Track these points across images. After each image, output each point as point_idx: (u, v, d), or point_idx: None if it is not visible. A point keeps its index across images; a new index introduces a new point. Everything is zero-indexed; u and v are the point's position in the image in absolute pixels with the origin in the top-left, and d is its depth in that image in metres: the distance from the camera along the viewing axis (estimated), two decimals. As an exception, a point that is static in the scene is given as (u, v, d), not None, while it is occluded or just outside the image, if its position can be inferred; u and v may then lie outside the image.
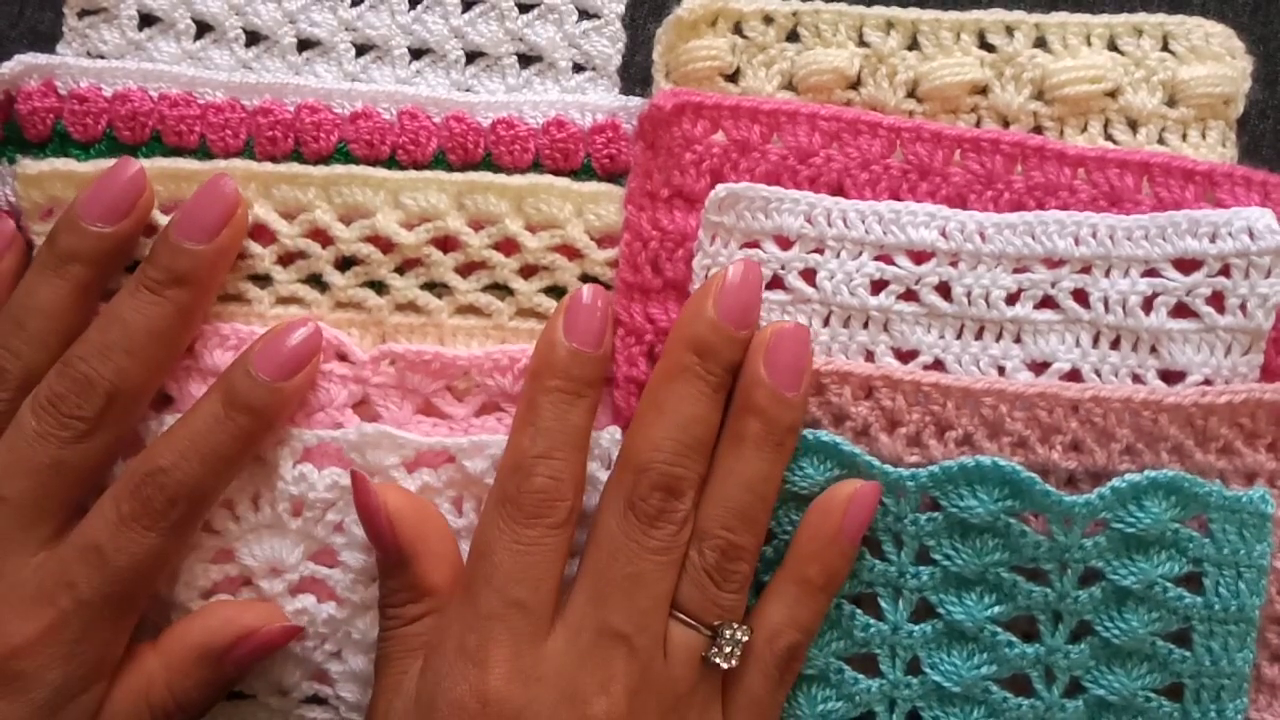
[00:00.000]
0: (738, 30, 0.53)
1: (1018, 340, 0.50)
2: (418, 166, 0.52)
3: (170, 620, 0.50)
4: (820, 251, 0.50)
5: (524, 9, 0.54)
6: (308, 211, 0.51)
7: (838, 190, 0.51)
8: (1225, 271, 0.49)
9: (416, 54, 0.54)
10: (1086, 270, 0.50)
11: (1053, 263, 0.50)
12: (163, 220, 0.50)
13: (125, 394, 0.47)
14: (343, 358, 0.51)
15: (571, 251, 0.51)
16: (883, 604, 0.49)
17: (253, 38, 0.54)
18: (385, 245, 0.51)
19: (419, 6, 0.54)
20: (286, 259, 0.51)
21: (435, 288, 0.52)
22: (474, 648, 0.45)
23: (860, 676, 0.49)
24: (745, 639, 0.46)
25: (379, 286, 0.51)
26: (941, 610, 0.49)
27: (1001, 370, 0.50)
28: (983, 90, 0.53)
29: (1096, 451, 0.49)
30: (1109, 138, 0.53)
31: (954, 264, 0.50)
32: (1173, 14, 0.53)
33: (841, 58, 0.52)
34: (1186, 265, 0.49)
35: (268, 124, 0.52)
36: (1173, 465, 0.49)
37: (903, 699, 0.49)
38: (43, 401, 0.47)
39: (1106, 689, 0.49)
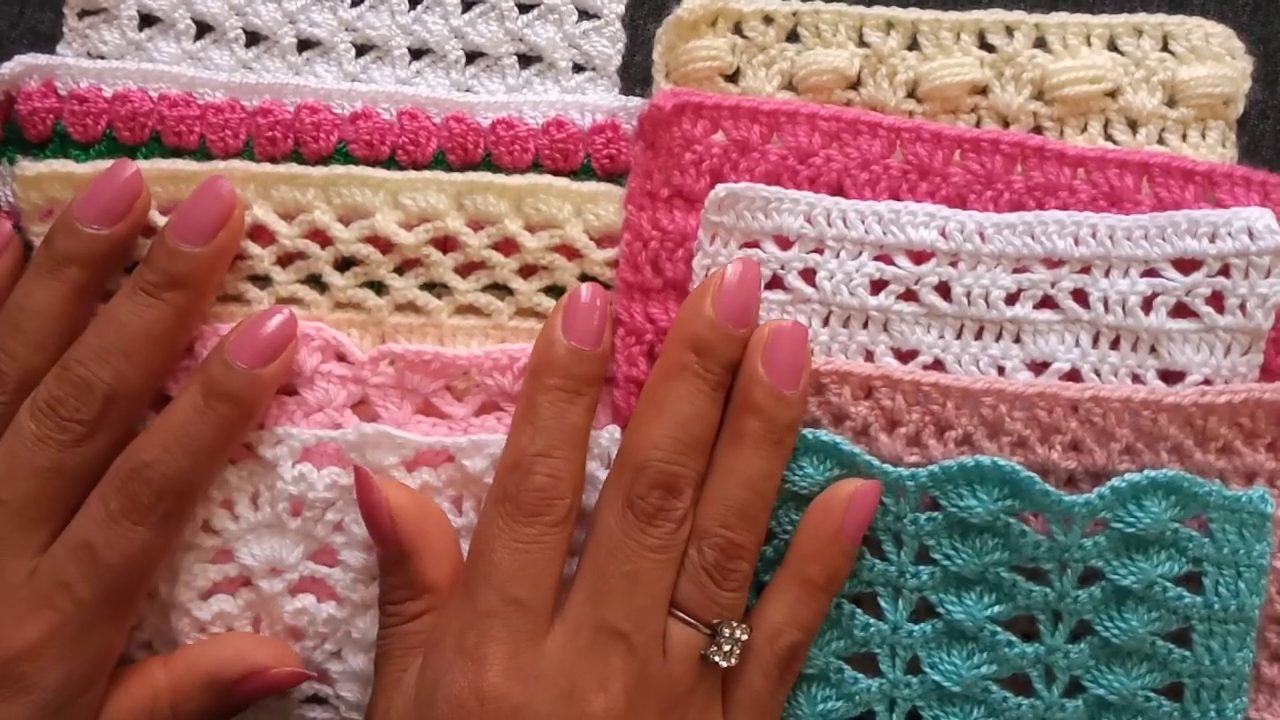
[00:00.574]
0: (738, 30, 0.53)
1: (1017, 340, 0.50)
2: (417, 167, 0.52)
3: (170, 620, 0.50)
4: (820, 251, 0.50)
5: (524, 9, 0.54)
6: (307, 212, 0.51)
7: (837, 190, 0.51)
8: (1225, 271, 0.49)
9: (416, 54, 0.54)
10: (1086, 270, 0.50)
11: (1052, 263, 0.50)
12: (161, 221, 0.50)
13: (123, 397, 0.47)
14: (342, 358, 0.51)
15: (571, 251, 0.51)
16: (882, 604, 0.49)
17: (253, 38, 0.54)
18: (385, 245, 0.51)
19: (419, 7, 0.54)
20: (286, 259, 0.51)
21: (435, 288, 0.52)
22: (472, 645, 0.45)
23: (860, 676, 0.49)
24: (745, 638, 0.46)
25: (378, 287, 0.51)
26: (941, 610, 0.49)
27: (1001, 370, 0.50)
28: (983, 90, 0.53)
29: (1096, 451, 0.49)
30: (1109, 138, 0.53)
31: (954, 264, 0.50)
32: (1173, 14, 0.53)
33: (841, 58, 0.52)
34: (1186, 265, 0.49)
35: (267, 124, 0.52)
36: (1172, 465, 0.49)
37: (902, 698, 0.49)
38: (41, 405, 0.47)
39: (1106, 689, 0.49)
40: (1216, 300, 0.49)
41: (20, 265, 0.50)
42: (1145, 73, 0.53)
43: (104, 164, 0.50)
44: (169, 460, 0.46)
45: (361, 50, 0.54)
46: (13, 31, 0.54)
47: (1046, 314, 0.50)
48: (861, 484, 0.48)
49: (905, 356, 0.50)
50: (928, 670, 0.49)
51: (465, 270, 0.52)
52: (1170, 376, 0.50)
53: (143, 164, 0.50)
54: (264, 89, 0.52)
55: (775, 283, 0.50)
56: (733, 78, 0.53)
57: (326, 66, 0.54)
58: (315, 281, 0.52)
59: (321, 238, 0.51)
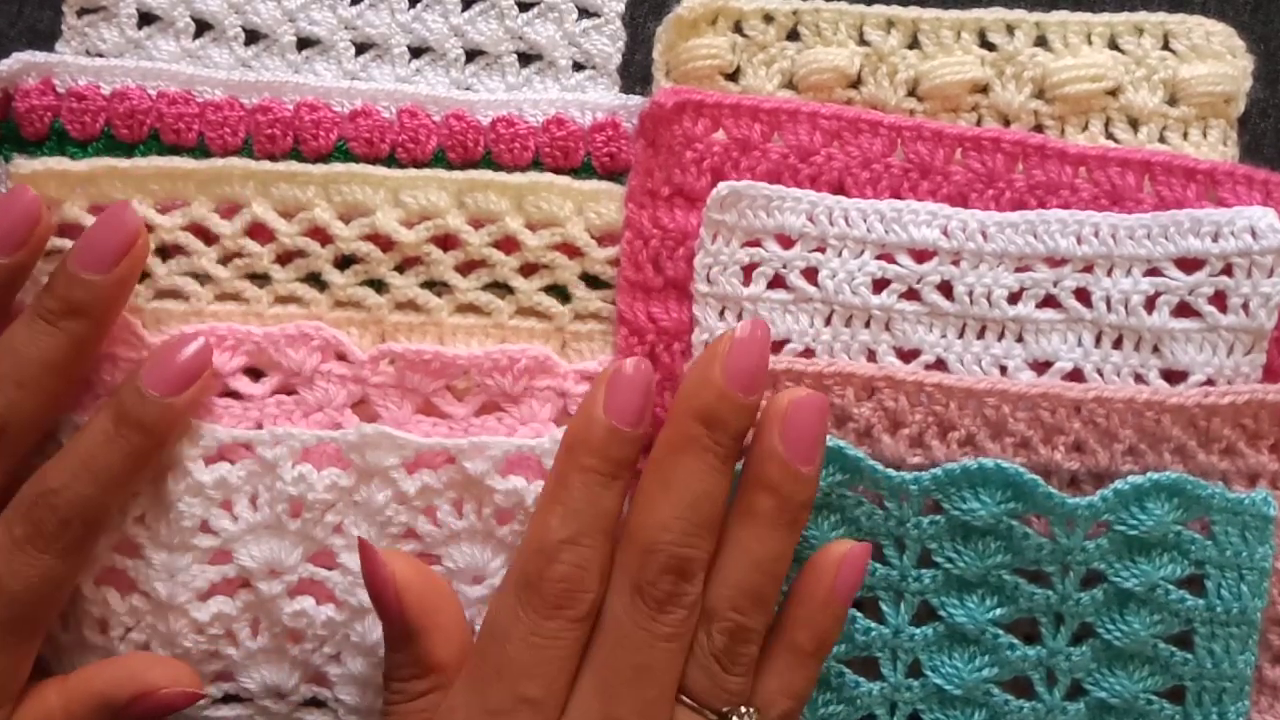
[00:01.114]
0: (738, 29, 0.53)
1: (1020, 339, 0.50)
2: (417, 165, 0.52)
3: (168, 621, 0.49)
4: (822, 250, 0.50)
5: (524, 7, 0.54)
6: (307, 210, 0.51)
7: (839, 189, 0.51)
8: (1228, 271, 0.49)
9: (416, 52, 0.54)
10: (1088, 269, 0.50)
11: (1055, 262, 0.50)
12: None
13: (15, 425, 0.46)
14: (342, 357, 0.51)
15: (572, 250, 0.51)
16: (884, 607, 0.49)
17: (252, 36, 0.54)
18: (385, 244, 0.51)
19: (419, 5, 0.54)
20: (285, 258, 0.51)
21: (435, 286, 0.51)
22: None
23: (861, 679, 0.49)
24: None
25: (379, 285, 0.51)
26: (943, 613, 0.49)
27: (1004, 370, 0.50)
28: (983, 89, 0.53)
29: (1099, 452, 0.49)
30: (1110, 136, 0.53)
31: (956, 263, 0.50)
32: (1173, 13, 0.53)
33: (842, 56, 0.52)
34: (1189, 264, 0.49)
35: (267, 122, 0.52)
36: (1175, 466, 0.49)
37: (904, 702, 0.49)
38: None
39: (1108, 691, 0.49)
40: (1219, 300, 0.49)
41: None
42: (1146, 71, 0.53)
43: (101, 161, 0.50)
44: (76, 487, 0.46)
45: (361, 48, 0.54)
46: (11, 29, 0.54)
47: (1049, 313, 0.50)
48: (851, 546, 0.47)
49: (907, 356, 0.50)
50: (929, 673, 0.49)
51: (466, 268, 0.51)
52: (1173, 376, 0.50)
53: (141, 162, 0.50)
54: (263, 87, 0.52)
55: (777, 282, 0.50)
56: (733, 76, 0.53)
57: (326, 65, 0.54)
58: (315, 280, 0.51)
59: (321, 236, 0.51)
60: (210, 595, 0.50)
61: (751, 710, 0.45)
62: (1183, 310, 0.49)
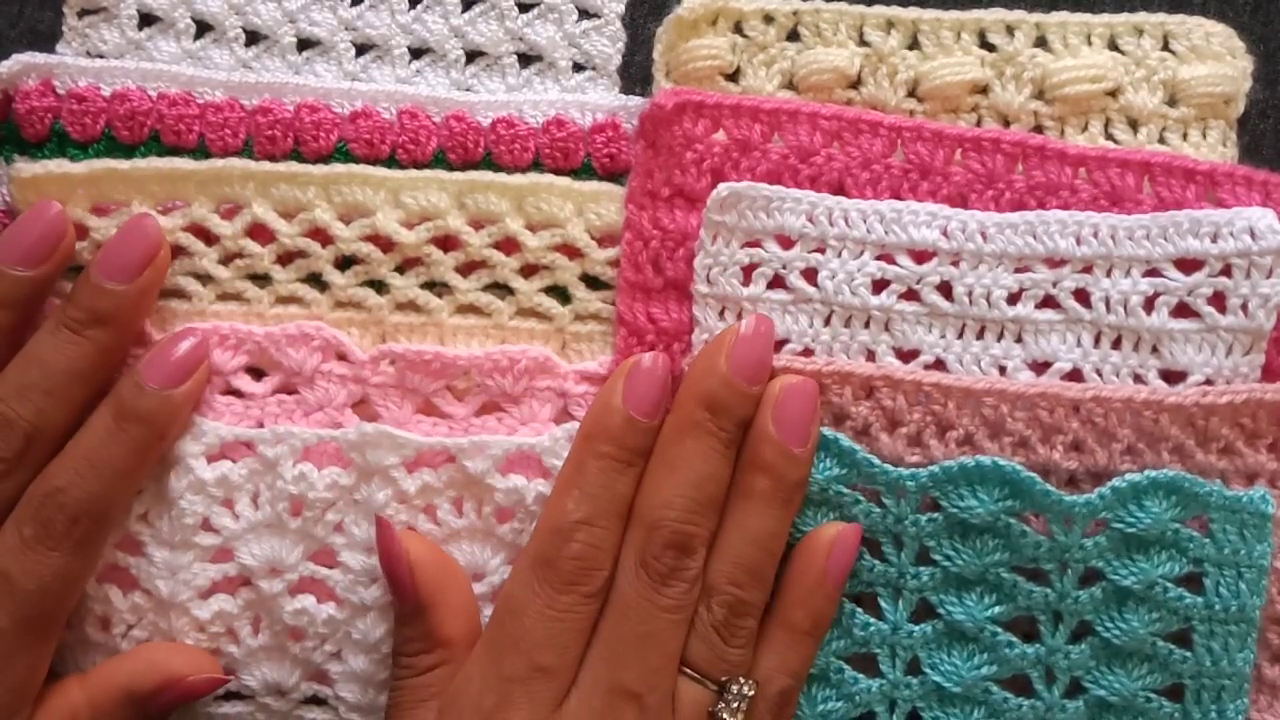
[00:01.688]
0: (738, 29, 0.53)
1: (1019, 340, 0.50)
2: (418, 166, 0.52)
3: (169, 619, 0.50)
4: (822, 251, 0.50)
5: (524, 8, 0.54)
6: (307, 211, 0.51)
7: (839, 189, 0.51)
8: (1227, 271, 0.49)
9: (416, 53, 0.54)
10: (1088, 270, 0.50)
11: (1054, 262, 0.50)
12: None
13: (45, 434, 0.47)
14: (342, 357, 0.51)
15: (572, 251, 0.51)
16: (883, 604, 0.49)
17: (252, 37, 0.54)
18: (385, 244, 0.51)
19: (419, 6, 0.54)
20: (286, 258, 0.51)
21: (435, 287, 0.52)
22: (490, 708, 0.45)
23: (860, 676, 0.49)
24: (751, 694, 0.47)
25: (379, 286, 0.51)
26: (942, 610, 0.49)
27: (1003, 370, 0.50)
28: (983, 90, 0.53)
29: (1098, 451, 0.49)
30: (1110, 137, 0.53)
31: (955, 263, 0.50)
32: (1173, 13, 0.53)
33: (842, 57, 0.52)
34: (1188, 265, 0.49)
35: (267, 123, 0.52)
36: (1174, 465, 0.49)
37: (903, 699, 0.49)
38: None
39: (1107, 689, 0.49)
40: (1218, 300, 0.49)
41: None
42: (1146, 72, 0.53)
43: (101, 163, 0.50)
44: (82, 484, 0.46)
45: (361, 49, 0.54)
46: (12, 30, 0.54)
47: (1048, 314, 0.50)
48: (842, 528, 0.48)
49: (907, 356, 0.50)
50: (928, 671, 0.49)
51: (466, 269, 0.51)
52: (1172, 376, 0.50)
53: (141, 163, 0.50)
54: (263, 88, 0.52)
55: (777, 282, 0.50)
56: (733, 77, 0.53)
57: (326, 66, 0.54)
58: (316, 280, 0.51)
59: (322, 236, 0.51)
60: (211, 593, 0.50)
61: (750, 681, 0.47)
62: (1182, 311, 0.49)
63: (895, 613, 0.49)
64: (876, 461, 0.48)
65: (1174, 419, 0.49)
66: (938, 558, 0.49)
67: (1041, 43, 0.53)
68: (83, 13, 0.53)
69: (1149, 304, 0.49)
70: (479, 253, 0.51)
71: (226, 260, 0.51)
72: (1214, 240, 0.49)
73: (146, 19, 0.54)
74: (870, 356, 0.50)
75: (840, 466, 0.48)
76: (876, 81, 0.53)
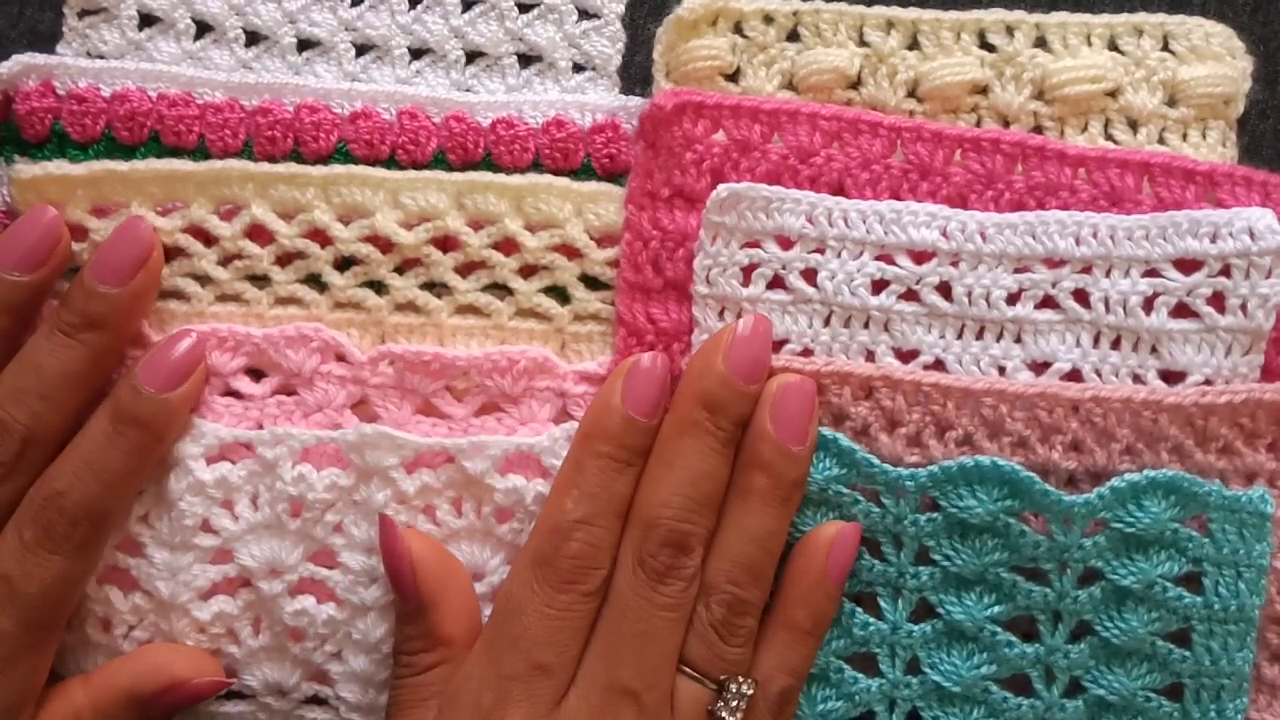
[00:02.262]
0: (738, 30, 0.53)
1: (1018, 340, 0.50)
2: (417, 166, 0.52)
3: (169, 620, 0.50)
4: (821, 251, 0.50)
5: (524, 9, 0.54)
6: (307, 211, 0.51)
7: (838, 190, 0.51)
8: (1226, 272, 0.49)
9: (416, 54, 0.54)
10: (1087, 270, 0.50)
11: (1053, 263, 0.50)
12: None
13: (40, 438, 0.47)
14: (341, 358, 0.51)
15: (571, 251, 0.51)
16: (882, 604, 0.49)
17: (252, 38, 0.54)
18: (385, 245, 0.51)
19: (419, 6, 0.54)
20: (285, 259, 0.51)
21: (435, 287, 0.52)
22: (490, 706, 0.45)
23: (860, 676, 0.49)
24: (750, 693, 0.47)
25: (378, 286, 0.51)
26: (941, 610, 0.49)
27: (1002, 370, 0.50)
28: (983, 90, 0.53)
29: (1097, 451, 0.49)
30: (1109, 138, 0.53)
31: (955, 264, 0.50)
32: (1173, 14, 0.53)
33: (842, 57, 0.52)
34: (1187, 265, 0.49)
35: (267, 124, 0.52)
36: (1173, 465, 0.49)
37: (902, 699, 0.49)
38: None
39: (1106, 689, 0.49)
40: (1217, 300, 0.49)
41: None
42: (1145, 72, 0.53)
43: (100, 164, 0.50)
44: (81, 488, 0.46)
45: (361, 50, 0.54)
46: (12, 31, 0.54)
47: (1047, 314, 0.50)
48: (842, 527, 0.48)
49: (906, 356, 0.50)
50: (928, 670, 0.49)
51: (465, 270, 0.51)
52: (1171, 377, 0.50)
53: (140, 165, 0.50)
54: (263, 88, 0.52)
55: (776, 283, 0.50)
56: (733, 77, 0.53)
57: (326, 66, 0.54)
58: (315, 281, 0.51)
59: (321, 237, 0.51)
60: (212, 594, 0.50)
61: (749, 680, 0.47)
62: (1181, 311, 0.49)
63: (895, 612, 0.49)
64: (876, 461, 0.48)
65: (1173, 419, 0.49)
66: (937, 557, 0.49)
67: (1041, 43, 0.53)
68: (83, 13, 0.53)
69: (1148, 304, 0.49)
70: (478, 253, 0.51)
71: (226, 261, 0.51)
72: (1213, 240, 0.49)
73: (146, 20, 0.54)
74: (870, 357, 0.50)
75: (840, 466, 0.49)
76: (876, 82, 0.53)
